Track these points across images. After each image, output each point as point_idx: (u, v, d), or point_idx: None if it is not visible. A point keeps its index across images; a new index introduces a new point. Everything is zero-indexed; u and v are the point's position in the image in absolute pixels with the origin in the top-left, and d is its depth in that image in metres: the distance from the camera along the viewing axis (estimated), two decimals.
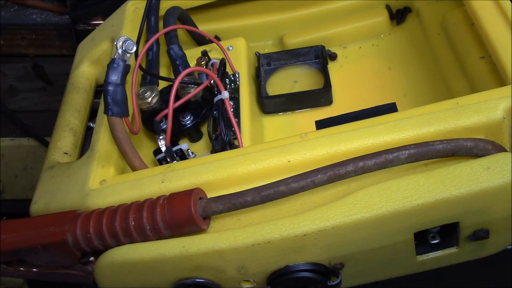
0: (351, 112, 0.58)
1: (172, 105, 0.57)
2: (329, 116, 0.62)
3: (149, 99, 0.62)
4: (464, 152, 0.49)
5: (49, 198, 0.56)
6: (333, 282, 0.50)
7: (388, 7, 0.76)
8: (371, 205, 0.47)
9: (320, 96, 0.69)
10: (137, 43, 0.63)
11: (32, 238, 0.51)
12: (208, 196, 0.51)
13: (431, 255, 0.52)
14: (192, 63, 0.68)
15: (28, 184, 0.87)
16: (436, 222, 0.48)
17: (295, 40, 0.77)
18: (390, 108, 0.56)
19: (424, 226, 0.48)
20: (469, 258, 0.53)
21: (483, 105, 0.50)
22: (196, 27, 0.75)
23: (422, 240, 0.51)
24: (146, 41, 0.67)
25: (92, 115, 0.69)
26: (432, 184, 0.47)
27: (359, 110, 0.58)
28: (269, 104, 0.69)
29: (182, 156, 0.60)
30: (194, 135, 0.64)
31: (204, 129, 0.65)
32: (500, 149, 0.49)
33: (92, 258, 0.53)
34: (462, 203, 0.47)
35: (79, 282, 0.53)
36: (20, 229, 0.52)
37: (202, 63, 0.68)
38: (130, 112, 0.58)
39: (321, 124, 0.58)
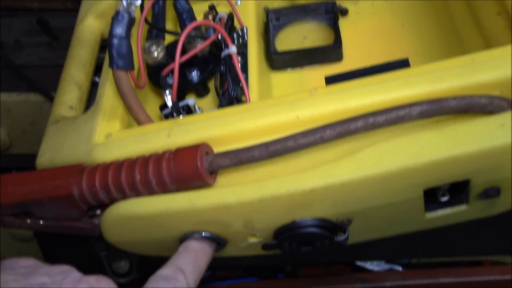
0: (362, 68, 0.56)
1: (178, 59, 0.56)
2: (339, 72, 0.60)
3: (155, 54, 0.61)
4: (478, 109, 0.47)
5: (54, 152, 0.56)
6: (340, 237, 0.50)
7: None
8: (380, 162, 0.46)
9: (330, 52, 0.67)
10: None
11: (37, 191, 0.51)
12: (215, 151, 0.51)
13: (440, 212, 0.51)
14: (199, 17, 0.67)
15: (35, 139, 0.86)
16: (446, 180, 0.47)
17: None
18: (402, 64, 0.55)
19: (434, 183, 0.47)
20: (478, 216, 0.52)
21: (499, 61, 0.49)
22: None
23: (431, 197, 0.50)
24: None
25: (98, 69, 0.68)
26: (444, 141, 0.46)
27: (370, 66, 0.56)
28: (278, 60, 0.67)
29: (189, 111, 0.59)
30: (201, 91, 0.63)
31: (211, 84, 0.64)
32: None
33: (98, 212, 0.53)
34: (474, 161, 0.46)
35: (86, 235, 0.53)
36: (26, 182, 0.52)
37: (210, 17, 0.67)
38: (136, 67, 0.56)
39: (331, 80, 0.57)
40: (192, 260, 0.48)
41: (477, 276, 0.76)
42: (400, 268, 0.82)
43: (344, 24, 0.72)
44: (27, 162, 0.59)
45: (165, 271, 0.46)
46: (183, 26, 0.63)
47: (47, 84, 0.86)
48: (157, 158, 0.49)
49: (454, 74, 0.49)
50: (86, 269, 0.44)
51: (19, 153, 0.93)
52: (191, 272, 0.47)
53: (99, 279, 0.42)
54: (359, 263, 0.82)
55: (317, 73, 0.67)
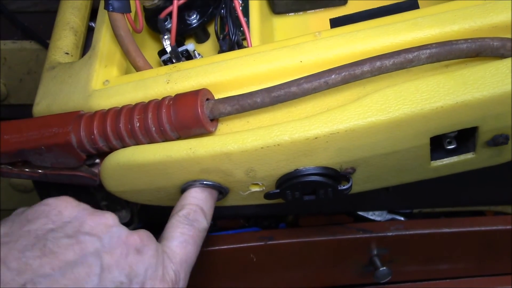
0: (368, 10, 0.54)
1: (176, 1, 0.54)
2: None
3: None
4: (490, 52, 0.45)
5: (51, 99, 0.55)
6: (343, 186, 0.49)
7: None
8: (387, 108, 0.45)
9: None
10: None
11: (35, 138, 0.50)
12: (216, 97, 0.49)
13: (446, 160, 0.50)
14: None
15: (32, 88, 0.85)
16: (454, 127, 0.46)
17: None
18: (411, 5, 0.52)
19: (441, 130, 0.46)
20: (485, 164, 0.51)
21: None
22: None
23: (437, 145, 0.49)
24: None
25: (94, 15, 0.65)
26: (453, 85, 0.44)
27: (377, 7, 0.54)
28: (280, 4, 0.65)
29: (188, 57, 0.57)
30: (200, 35, 0.61)
31: (211, 29, 0.61)
32: None
33: (98, 160, 0.52)
34: (484, 107, 0.44)
35: (86, 184, 0.52)
36: (22, 129, 0.51)
37: None
38: (133, 10, 0.54)
39: (336, 22, 0.55)
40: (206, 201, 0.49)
41: (479, 226, 0.76)
42: (402, 219, 0.82)
43: None
44: (25, 112, 0.58)
45: (185, 211, 0.47)
46: None
47: (42, 31, 0.84)
48: (157, 104, 0.48)
49: (465, 16, 0.47)
50: None
51: (17, 103, 0.91)
52: (209, 213, 0.48)
53: (142, 236, 0.41)
54: (361, 213, 0.82)
55: (321, 17, 0.64)
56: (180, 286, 0.43)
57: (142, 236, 0.41)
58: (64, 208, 0.40)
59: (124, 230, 0.41)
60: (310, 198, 0.50)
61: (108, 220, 0.41)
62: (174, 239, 0.44)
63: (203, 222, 0.47)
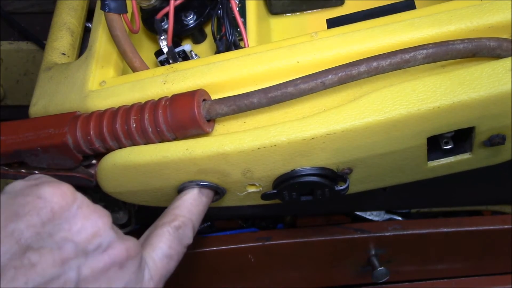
0: (365, 10, 0.54)
1: (173, 1, 0.54)
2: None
3: None
4: (486, 52, 0.45)
5: (47, 99, 0.54)
6: (340, 187, 0.49)
7: None
8: (384, 108, 0.44)
9: None
10: None
11: (31, 139, 0.50)
12: (213, 98, 0.49)
13: (443, 161, 0.50)
14: None
15: (29, 89, 0.85)
16: (451, 127, 0.46)
17: None
18: (407, 5, 0.52)
19: (438, 130, 0.46)
20: (482, 164, 0.51)
21: (508, 2, 0.46)
22: None
23: (434, 145, 0.49)
24: None
25: (90, 16, 0.65)
26: (450, 86, 0.44)
27: (374, 8, 0.54)
28: (277, 4, 0.65)
29: (185, 57, 0.57)
30: (197, 36, 0.61)
31: (208, 29, 0.61)
32: None
33: (94, 161, 0.52)
34: (481, 107, 0.44)
35: (82, 185, 0.52)
36: (19, 130, 0.51)
37: None
38: (130, 10, 0.54)
39: (333, 23, 0.55)
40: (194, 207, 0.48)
41: (477, 226, 0.76)
42: (400, 218, 0.82)
43: None
44: (21, 113, 0.57)
45: (177, 223, 0.46)
46: None
47: (38, 32, 0.83)
48: (153, 105, 0.48)
49: (462, 16, 0.47)
50: None
51: (14, 104, 0.91)
52: (197, 228, 0.47)
53: (129, 249, 0.39)
54: (358, 213, 0.82)
55: (318, 18, 0.64)
56: None
57: (130, 248, 0.39)
58: (56, 204, 0.37)
59: (112, 238, 0.38)
60: (307, 198, 0.50)
61: (98, 223, 0.38)
62: (159, 251, 0.43)
63: (189, 239, 0.46)
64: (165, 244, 0.44)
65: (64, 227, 0.37)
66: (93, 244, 0.37)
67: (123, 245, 0.38)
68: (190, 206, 0.48)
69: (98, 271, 0.37)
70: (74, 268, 0.36)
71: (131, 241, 0.39)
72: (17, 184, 0.38)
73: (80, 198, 0.38)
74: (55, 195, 0.37)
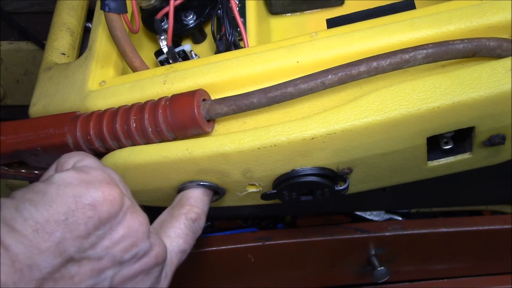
0: (365, 10, 0.54)
1: (173, 1, 0.54)
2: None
3: None
4: (486, 52, 0.45)
5: (47, 99, 0.54)
6: (340, 187, 0.49)
7: None
8: (383, 108, 0.44)
9: None
10: None
11: (31, 139, 0.50)
12: (212, 98, 0.49)
13: (443, 161, 0.50)
14: None
15: (29, 89, 0.85)
16: (451, 127, 0.46)
17: None
18: (407, 5, 0.52)
19: (438, 130, 0.46)
20: (481, 164, 0.51)
21: (508, 1, 0.46)
22: None
23: (434, 145, 0.49)
24: None
25: (90, 16, 0.65)
26: (450, 86, 0.44)
27: (374, 8, 0.54)
28: (277, 4, 0.65)
29: (185, 57, 0.57)
30: (197, 36, 0.61)
31: (208, 29, 0.61)
32: None
33: None
34: (480, 107, 0.44)
35: None
36: (19, 130, 0.51)
37: None
38: (129, 10, 0.54)
39: (333, 23, 0.55)
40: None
41: (477, 226, 0.76)
42: (400, 218, 0.82)
43: None
44: (21, 113, 0.57)
45: (193, 215, 0.46)
46: None
47: (38, 32, 0.83)
48: (153, 105, 0.48)
49: (462, 16, 0.47)
50: None
51: (14, 104, 0.91)
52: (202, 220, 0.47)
53: (158, 255, 0.40)
54: (359, 213, 0.82)
55: (318, 18, 0.64)
56: None
57: (159, 256, 0.39)
58: (105, 213, 0.36)
59: (147, 247, 0.38)
60: (307, 198, 0.50)
61: (138, 233, 0.38)
62: (176, 245, 0.44)
63: (200, 231, 0.47)
64: (181, 239, 0.44)
65: (107, 236, 0.36)
66: (130, 253, 0.37)
67: (154, 252, 0.39)
68: (201, 198, 0.48)
69: (127, 278, 0.37)
70: (109, 277, 0.36)
71: (160, 247, 0.40)
72: (67, 176, 0.36)
73: (127, 203, 0.38)
74: (105, 204, 0.36)
